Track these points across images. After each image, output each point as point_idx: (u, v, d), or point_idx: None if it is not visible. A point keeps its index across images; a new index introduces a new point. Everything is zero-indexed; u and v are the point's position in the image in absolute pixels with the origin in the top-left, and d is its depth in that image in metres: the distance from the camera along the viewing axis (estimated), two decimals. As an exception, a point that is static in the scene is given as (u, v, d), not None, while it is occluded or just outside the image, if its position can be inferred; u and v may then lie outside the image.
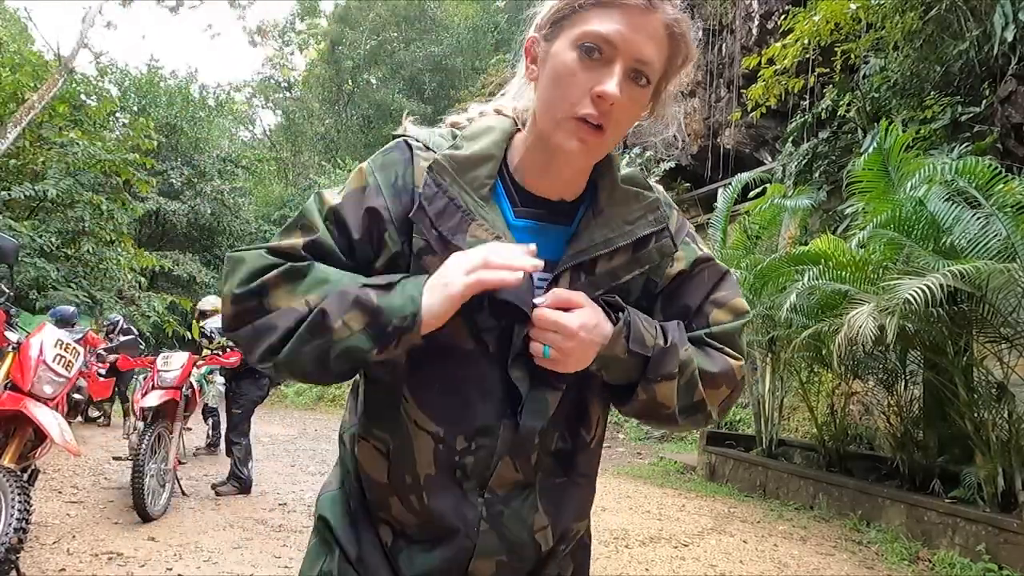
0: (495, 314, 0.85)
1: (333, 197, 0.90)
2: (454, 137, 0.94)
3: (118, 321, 8.93)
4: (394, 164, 0.91)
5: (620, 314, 0.85)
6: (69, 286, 11.23)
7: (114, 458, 6.03)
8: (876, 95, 7.68)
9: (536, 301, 0.83)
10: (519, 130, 0.94)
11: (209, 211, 18.23)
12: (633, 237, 0.90)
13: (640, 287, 0.94)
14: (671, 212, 0.97)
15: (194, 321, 6.14)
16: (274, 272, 0.83)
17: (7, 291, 3.52)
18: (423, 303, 0.80)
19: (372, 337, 0.80)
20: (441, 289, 0.80)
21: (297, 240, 0.87)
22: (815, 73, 8.52)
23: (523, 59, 0.91)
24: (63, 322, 8.04)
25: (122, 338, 7.87)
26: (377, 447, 0.93)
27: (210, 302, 6.60)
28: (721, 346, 0.93)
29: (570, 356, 0.82)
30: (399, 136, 0.95)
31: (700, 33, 14.40)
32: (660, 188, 0.99)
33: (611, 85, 0.80)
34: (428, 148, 0.92)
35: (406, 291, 0.81)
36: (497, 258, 0.79)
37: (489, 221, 0.86)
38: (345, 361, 0.82)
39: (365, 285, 0.82)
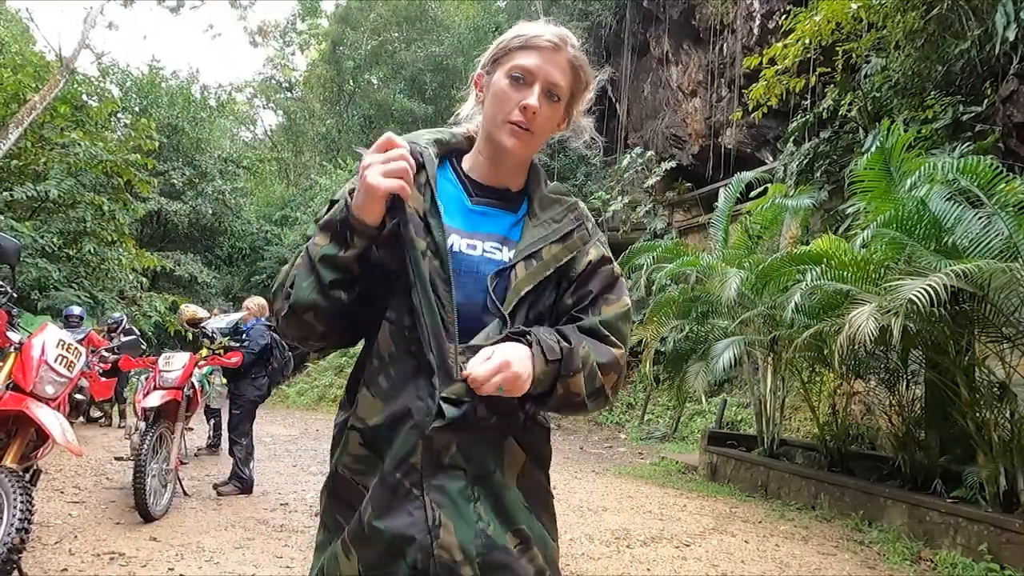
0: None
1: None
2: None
3: (121, 320, 8.92)
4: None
5: (527, 337, 1.09)
6: (71, 286, 11.24)
7: (116, 458, 6.04)
8: (877, 95, 7.68)
9: (466, 372, 1.05)
10: (472, 138, 1.27)
11: (210, 211, 18.24)
12: (561, 232, 1.21)
13: (565, 268, 1.20)
14: (588, 219, 1.27)
15: (183, 330, 6.02)
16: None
17: (9, 291, 3.53)
18: (351, 202, 1.09)
19: (334, 241, 1.10)
20: (357, 186, 1.09)
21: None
22: (816, 73, 8.52)
23: (473, 90, 1.26)
24: (80, 320, 8.03)
25: (124, 338, 7.87)
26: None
27: (191, 309, 6.36)
28: (607, 334, 1.17)
29: (518, 383, 1.04)
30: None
31: (700, 34, 14.40)
32: (578, 201, 1.30)
33: (532, 99, 1.14)
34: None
35: (339, 203, 1.12)
36: (377, 156, 1.08)
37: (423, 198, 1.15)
38: (330, 271, 1.09)
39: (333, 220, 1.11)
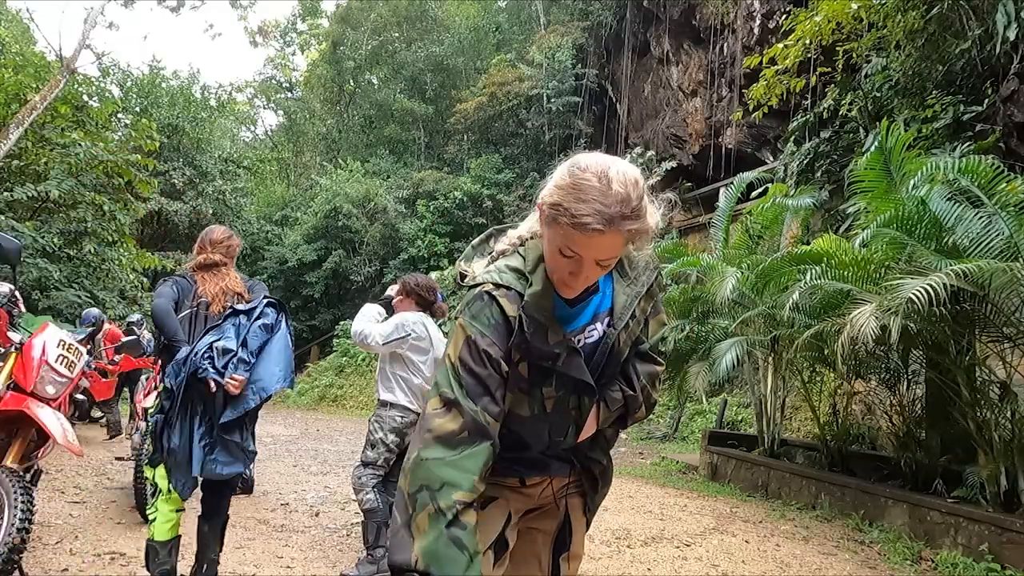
0: (562, 385, 1.35)
1: (461, 359, 1.26)
2: (513, 269, 1.34)
3: (139, 321, 8.69)
4: (482, 310, 1.29)
5: (592, 397, 1.39)
6: (71, 287, 11.24)
7: (116, 458, 6.05)
8: (878, 94, 7.67)
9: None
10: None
11: (211, 211, 18.24)
12: (648, 285, 1.45)
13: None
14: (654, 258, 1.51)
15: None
16: (426, 511, 1.17)
17: (14, 294, 3.54)
18: None
19: None
20: None
21: (455, 423, 1.21)
22: (817, 72, 8.52)
23: (537, 212, 1.30)
24: (96, 325, 7.92)
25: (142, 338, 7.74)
26: None
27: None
28: (654, 357, 1.51)
29: (591, 427, 1.44)
30: (474, 286, 1.34)
31: (701, 34, 14.39)
32: (652, 252, 1.49)
33: (579, 280, 1.26)
34: (501, 285, 1.31)
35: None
36: None
37: (556, 330, 1.31)
38: None
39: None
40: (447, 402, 1.22)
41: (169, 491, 2.89)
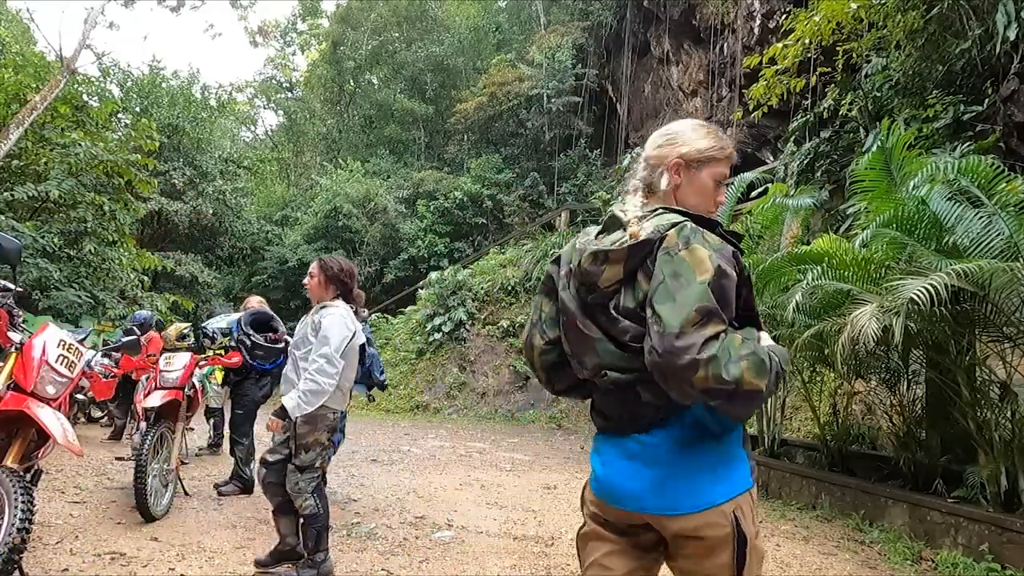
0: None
1: (717, 280, 1.42)
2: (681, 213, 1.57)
3: (149, 318, 8.32)
4: (705, 238, 1.47)
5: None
6: (72, 287, 11.24)
7: (117, 458, 6.04)
8: (878, 94, 7.67)
9: None
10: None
11: (211, 211, 18.24)
12: None
13: None
14: None
15: (179, 346, 5.72)
16: (744, 365, 1.35)
17: (15, 289, 3.54)
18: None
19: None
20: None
21: (719, 327, 1.38)
22: (817, 72, 8.52)
23: (671, 171, 1.63)
24: (142, 327, 7.80)
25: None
26: None
27: (176, 328, 6.23)
28: None
29: None
30: (673, 225, 1.51)
31: (701, 34, 14.38)
32: None
33: (722, 197, 1.67)
34: (692, 219, 1.54)
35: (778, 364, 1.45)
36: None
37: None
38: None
39: (782, 369, 1.46)
40: (706, 313, 1.37)
41: None
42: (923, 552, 4.38)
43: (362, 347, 5.57)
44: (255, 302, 6.27)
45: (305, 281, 3.60)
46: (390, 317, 17.18)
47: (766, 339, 1.51)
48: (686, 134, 1.64)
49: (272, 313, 5.97)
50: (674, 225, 1.48)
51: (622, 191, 1.72)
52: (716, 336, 1.35)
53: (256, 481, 5.58)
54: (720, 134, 1.65)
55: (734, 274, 1.45)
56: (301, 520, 3.47)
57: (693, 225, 1.48)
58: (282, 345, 5.66)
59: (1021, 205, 4.37)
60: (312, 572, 3.45)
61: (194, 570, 3.58)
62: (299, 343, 3.51)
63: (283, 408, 3.33)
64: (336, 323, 3.39)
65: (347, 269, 3.58)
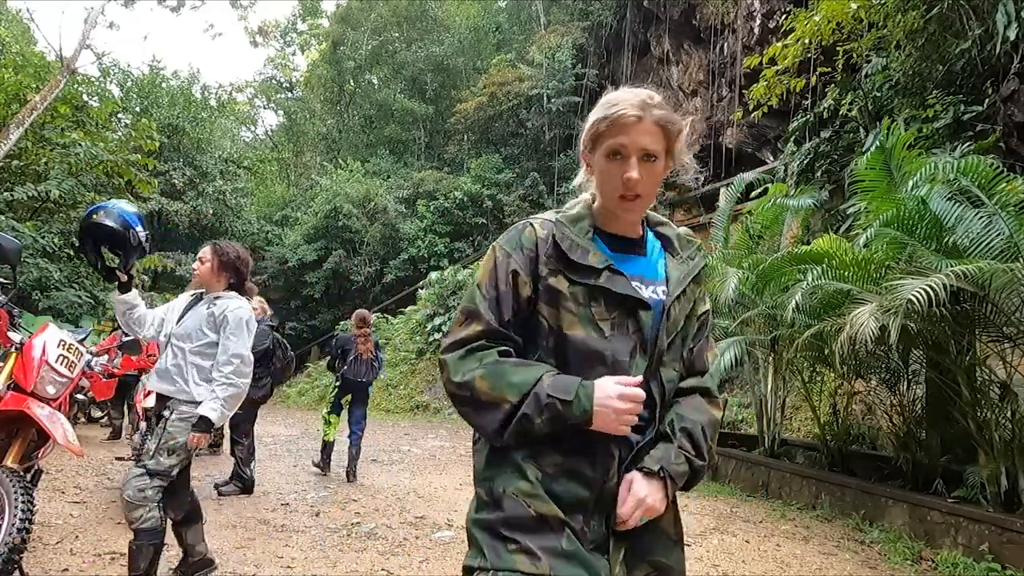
0: (613, 306, 1.33)
1: (482, 281, 1.34)
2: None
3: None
4: (514, 236, 1.37)
5: (660, 473, 1.28)
6: (71, 287, 11.25)
7: (117, 458, 6.05)
8: (878, 94, 7.67)
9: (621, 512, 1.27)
10: (595, 202, 1.43)
11: (211, 211, 18.25)
12: (698, 269, 1.45)
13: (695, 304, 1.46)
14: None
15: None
16: (477, 373, 1.26)
17: (12, 289, 3.54)
18: (594, 420, 1.22)
19: (553, 425, 1.23)
20: (607, 418, 1.22)
21: (474, 329, 1.30)
22: (817, 72, 8.52)
23: (583, 164, 1.43)
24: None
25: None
26: None
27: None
28: (714, 394, 1.44)
29: (658, 511, 1.29)
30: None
31: (701, 34, 14.39)
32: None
33: (632, 172, 1.30)
34: (538, 217, 1.40)
35: (582, 406, 1.22)
36: (627, 400, 1.22)
37: (599, 252, 1.34)
38: (529, 433, 1.24)
39: (549, 396, 1.22)
40: (468, 314, 1.32)
41: None
42: (923, 552, 4.37)
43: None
44: (255, 302, 6.27)
45: (195, 266, 3.26)
46: (390, 317, 17.18)
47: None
48: (595, 109, 1.39)
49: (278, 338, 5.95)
50: None
51: None
52: (469, 339, 1.29)
53: (256, 481, 5.60)
54: (619, 96, 1.33)
55: (505, 276, 1.32)
56: (132, 537, 2.91)
57: (520, 223, 1.41)
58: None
59: (1021, 205, 4.37)
60: None
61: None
62: (190, 335, 3.11)
63: (205, 420, 2.96)
64: (244, 318, 3.15)
65: (244, 258, 3.30)
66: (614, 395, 1.21)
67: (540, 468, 1.25)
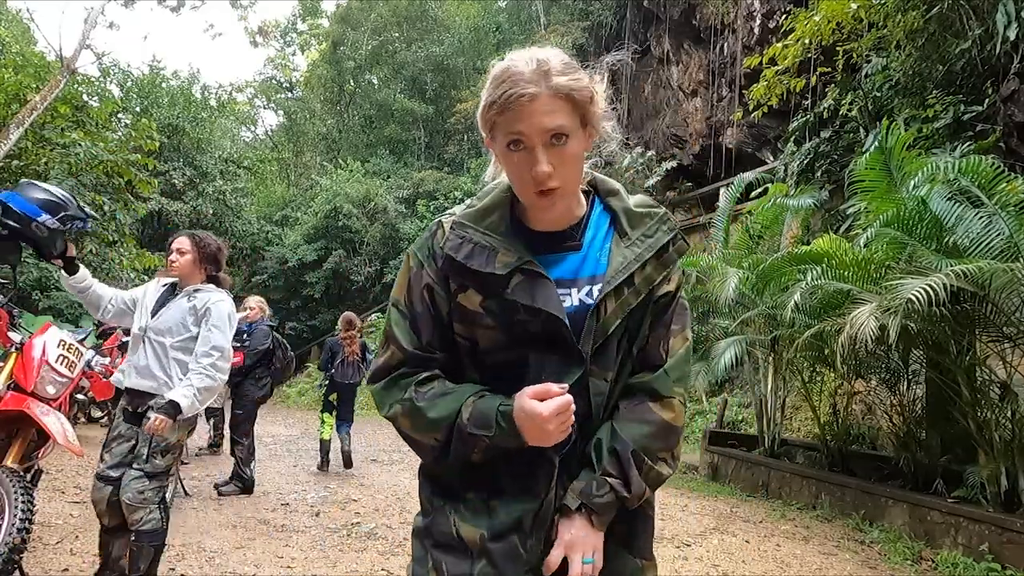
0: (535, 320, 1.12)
1: (398, 297, 1.20)
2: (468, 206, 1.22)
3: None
4: (426, 240, 1.20)
5: (583, 511, 1.12)
6: (72, 287, 11.23)
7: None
8: (878, 94, 7.67)
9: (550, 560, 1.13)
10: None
11: (211, 211, 18.26)
12: (656, 247, 1.16)
13: (656, 287, 1.18)
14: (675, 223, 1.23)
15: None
16: (398, 410, 1.15)
17: (12, 289, 3.54)
18: (527, 439, 1.08)
19: (489, 453, 1.11)
20: (539, 434, 1.07)
21: (393, 356, 1.18)
22: (817, 72, 8.51)
23: (492, 152, 1.19)
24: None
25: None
26: None
27: None
28: (665, 392, 1.16)
29: (587, 546, 1.12)
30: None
31: (701, 33, 14.39)
32: (667, 212, 1.24)
33: (541, 165, 1.05)
34: (452, 216, 1.19)
35: (505, 433, 1.08)
36: (553, 412, 1.05)
37: (513, 249, 1.12)
38: (468, 459, 1.13)
39: (471, 434, 1.09)
40: (387, 338, 1.19)
41: None
42: (923, 552, 4.38)
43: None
44: (255, 302, 6.27)
45: (173, 258, 3.11)
46: (390, 317, 17.15)
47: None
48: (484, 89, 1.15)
49: (279, 339, 6.00)
50: None
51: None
52: (391, 367, 1.18)
53: (256, 481, 5.60)
54: (509, 69, 1.09)
55: (419, 293, 1.18)
56: (133, 538, 2.89)
57: (434, 224, 1.22)
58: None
59: (1021, 205, 4.37)
60: None
61: (194, 570, 3.58)
62: (171, 330, 3.01)
63: (174, 404, 2.82)
64: (228, 312, 3.09)
65: (223, 248, 3.21)
66: (537, 412, 1.04)
67: (475, 487, 1.15)
